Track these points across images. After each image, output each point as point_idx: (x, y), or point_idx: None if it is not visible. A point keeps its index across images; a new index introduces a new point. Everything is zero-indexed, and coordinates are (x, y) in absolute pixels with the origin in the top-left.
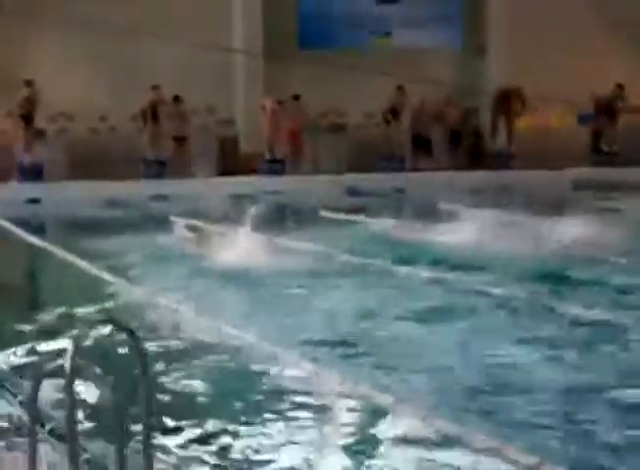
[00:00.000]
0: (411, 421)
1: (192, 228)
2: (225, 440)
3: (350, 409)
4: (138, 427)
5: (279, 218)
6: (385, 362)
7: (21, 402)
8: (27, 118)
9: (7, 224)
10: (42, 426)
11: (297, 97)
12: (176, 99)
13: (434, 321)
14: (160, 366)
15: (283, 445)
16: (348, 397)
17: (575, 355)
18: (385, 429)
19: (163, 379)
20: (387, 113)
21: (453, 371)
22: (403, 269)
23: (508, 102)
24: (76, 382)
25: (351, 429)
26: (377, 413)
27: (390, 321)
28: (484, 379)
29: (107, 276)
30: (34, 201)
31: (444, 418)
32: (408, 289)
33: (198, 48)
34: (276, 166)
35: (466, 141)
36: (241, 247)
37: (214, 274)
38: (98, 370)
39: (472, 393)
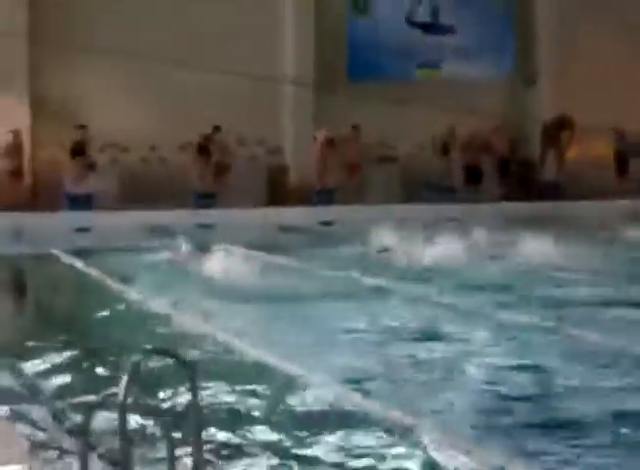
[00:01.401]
0: None
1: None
2: None
3: None
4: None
5: None
6: None
7: (70, 431)
8: (79, 153)
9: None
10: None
11: (356, 127)
12: (215, 129)
13: None
14: None
15: None
16: None
17: None
18: None
19: None
20: (438, 146)
21: None
22: None
23: (557, 132)
24: (128, 409)
25: None
26: None
27: None
28: None
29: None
30: (84, 230)
31: None
32: None
33: (247, 78)
34: (325, 197)
35: (515, 171)
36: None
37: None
38: (149, 399)
39: None
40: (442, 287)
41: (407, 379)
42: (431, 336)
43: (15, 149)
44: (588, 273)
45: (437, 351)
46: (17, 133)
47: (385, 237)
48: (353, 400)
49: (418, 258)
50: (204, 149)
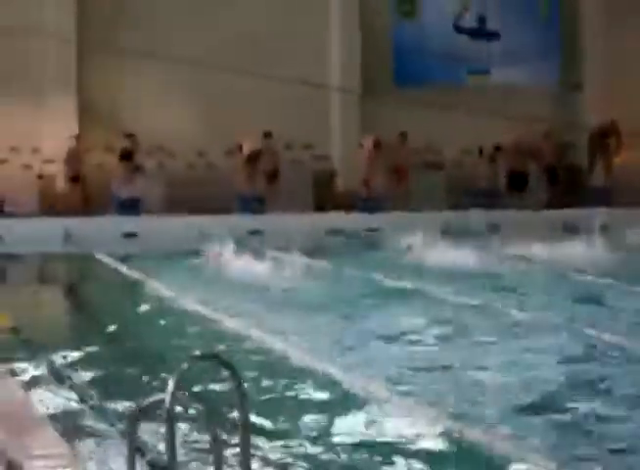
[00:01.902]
0: None
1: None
2: None
3: None
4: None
5: None
6: None
7: (121, 433)
8: (127, 158)
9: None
10: (142, 456)
11: (404, 134)
12: (266, 135)
13: None
14: None
15: None
16: None
17: None
18: None
19: None
20: (486, 155)
21: None
22: None
23: (605, 138)
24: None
25: None
26: None
27: None
28: None
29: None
30: (131, 235)
31: None
32: None
33: (294, 83)
34: (371, 204)
35: (562, 177)
36: None
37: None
38: (197, 404)
39: None
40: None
41: None
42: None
43: (75, 154)
44: None
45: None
46: (77, 139)
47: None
48: None
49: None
50: (253, 157)
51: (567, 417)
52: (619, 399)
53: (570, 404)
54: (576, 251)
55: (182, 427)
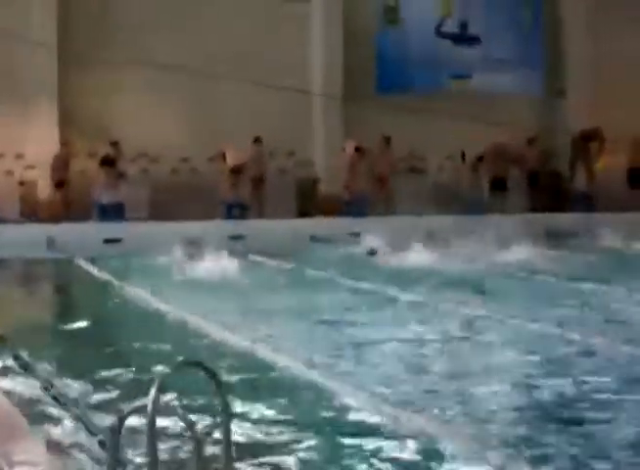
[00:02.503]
0: None
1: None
2: None
3: None
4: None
5: None
6: None
7: (101, 442)
8: (109, 164)
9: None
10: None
11: (387, 139)
12: (256, 140)
13: None
14: None
15: None
16: None
17: None
18: None
19: None
20: (468, 162)
21: None
22: None
23: (587, 143)
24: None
25: None
26: None
27: None
28: None
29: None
30: (114, 241)
31: None
32: None
33: (277, 90)
34: (354, 208)
35: (544, 182)
36: None
37: None
38: (179, 410)
39: None
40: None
41: None
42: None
43: (62, 160)
44: None
45: None
46: (65, 144)
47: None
48: None
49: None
50: (237, 169)
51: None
52: None
53: None
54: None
55: (163, 434)
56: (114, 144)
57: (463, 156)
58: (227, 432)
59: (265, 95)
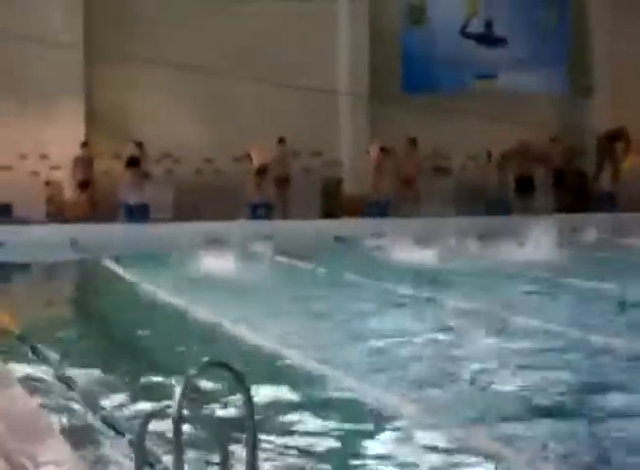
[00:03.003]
0: None
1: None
2: None
3: None
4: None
5: None
6: None
7: (129, 442)
8: (134, 164)
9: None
10: (150, 466)
11: (413, 141)
12: (281, 141)
13: None
14: None
15: None
16: None
17: None
18: None
19: None
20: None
21: None
22: None
23: (612, 143)
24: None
25: None
26: None
27: None
28: None
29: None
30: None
31: None
32: None
33: (303, 90)
34: (379, 209)
35: (570, 182)
36: None
37: None
38: (205, 410)
39: None
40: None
41: None
42: None
43: (85, 160)
44: None
45: None
46: (87, 144)
47: None
48: None
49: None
50: (262, 170)
51: None
52: None
53: None
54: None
55: (189, 435)
56: (139, 145)
57: (489, 155)
58: (252, 433)
59: (291, 95)
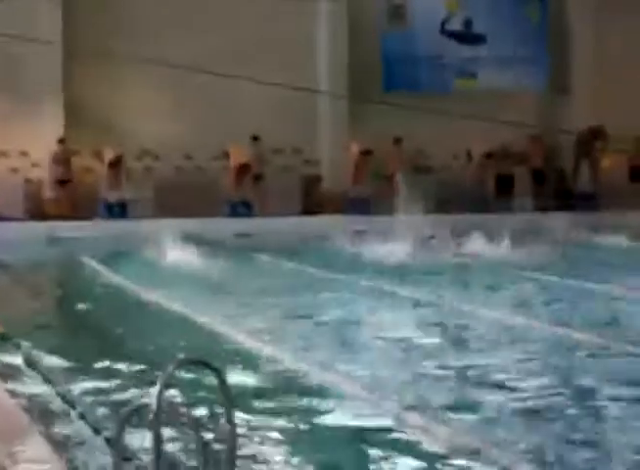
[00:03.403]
0: None
1: None
2: None
3: None
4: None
5: None
6: None
7: (107, 440)
8: (114, 162)
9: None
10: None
11: (398, 140)
12: (255, 139)
13: None
14: None
15: None
16: None
17: None
18: None
19: None
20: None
21: None
22: None
23: (591, 142)
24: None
25: None
26: None
27: None
28: None
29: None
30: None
31: None
32: None
33: (282, 88)
34: (359, 207)
35: (550, 181)
36: None
37: None
38: (183, 408)
39: None
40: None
41: None
42: None
43: (62, 157)
44: None
45: None
46: (63, 142)
47: None
48: None
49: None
50: (242, 170)
51: None
52: None
53: None
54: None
55: (168, 430)
56: (118, 158)
57: (469, 155)
58: (231, 428)
59: (271, 93)
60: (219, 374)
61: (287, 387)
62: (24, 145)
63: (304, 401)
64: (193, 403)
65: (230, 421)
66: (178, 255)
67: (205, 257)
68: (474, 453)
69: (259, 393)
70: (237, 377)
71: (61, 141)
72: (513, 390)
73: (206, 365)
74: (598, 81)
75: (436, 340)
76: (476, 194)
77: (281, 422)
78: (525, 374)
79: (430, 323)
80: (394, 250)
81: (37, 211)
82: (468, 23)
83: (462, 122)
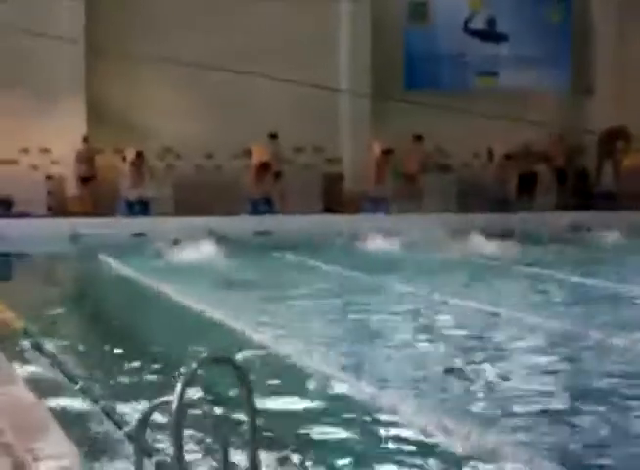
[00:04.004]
0: None
1: None
2: None
3: None
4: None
5: None
6: None
7: (129, 435)
8: (136, 160)
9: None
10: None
11: (418, 137)
12: (273, 136)
13: None
14: None
15: None
16: None
17: None
18: None
19: None
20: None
21: None
22: None
23: (613, 142)
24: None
25: None
26: None
27: None
28: None
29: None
30: (139, 235)
31: None
32: None
33: (304, 86)
34: (379, 206)
35: (572, 181)
36: None
37: None
38: (205, 406)
39: None
40: None
41: None
42: None
43: (86, 155)
44: None
45: None
46: (87, 140)
47: None
48: None
49: None
50: (264, 168)
51: None
52: None
53: None
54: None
55: (190, 428)
56: (139, 154)
57: (490, 153)
58: (253, 428)
59: (293, 92)
60: (242, 373)
61: None
62: (46, 142)
63: None
64: (215, 401)
65: (252, 419)
66: (200, 252)
67: (225, 254)
68: None
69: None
70: None
71: (85, 139)
72: None
73: (232, 365)
74: (621, 82)
75: None
76: (497, 193)
77: None
78: None
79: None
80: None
81: (60, 208)
82: (491, 22)
83: (484, 121)
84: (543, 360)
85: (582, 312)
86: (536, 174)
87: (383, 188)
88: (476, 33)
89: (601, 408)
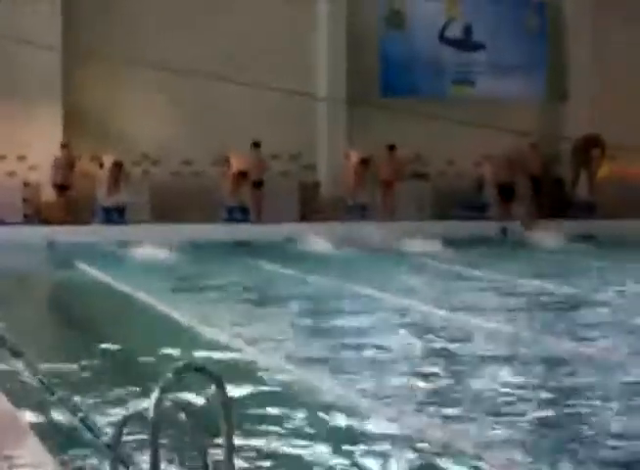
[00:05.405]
0: None
1: None
2: None
3: None
4: None
5: None
6: None
7: (107, 445)
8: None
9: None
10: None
11: (392, 147)
12: (255, 145)
13: None
14: None
15: None
16: None
17: None
18: None
19: None
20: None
21: None
22: None
23: (588, 150)
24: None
25: None
26: None
27: None
28: None
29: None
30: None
31: None
32: None
33: (280, 93)
34: (357, 213)
35: (547, 190)
36: None
37: None
38: (182, 414)
39: None
40: None
41: None
42: None
43: (64, 162)
44: None
45: None
46: (66, 147)
47: None
48: None
49: None
50: (242, 175)
51: None
52: None
53: None
54: None
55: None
56: (118, 164)
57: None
58: (229, 436)
59: (269, 98)
60: (219, 382)
61: None
62: (23, 149)
63: None
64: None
65: (229, 429)
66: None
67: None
68: None
69: None
70: None
71: (64, 146)
72: None
73: (207, 373)
74: (597, 89)
75: None
76: (474, 201)
77: None
78: None
79: None
80: None
81: (36, 215)
82: (468, 30)
83: (460, 129)
84: None
85: None
86: (514, 183)
87: (362, 196)
88: (452, 42)
89: None
